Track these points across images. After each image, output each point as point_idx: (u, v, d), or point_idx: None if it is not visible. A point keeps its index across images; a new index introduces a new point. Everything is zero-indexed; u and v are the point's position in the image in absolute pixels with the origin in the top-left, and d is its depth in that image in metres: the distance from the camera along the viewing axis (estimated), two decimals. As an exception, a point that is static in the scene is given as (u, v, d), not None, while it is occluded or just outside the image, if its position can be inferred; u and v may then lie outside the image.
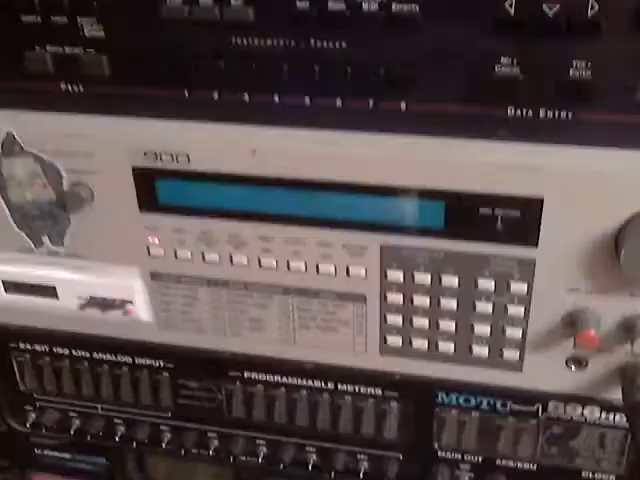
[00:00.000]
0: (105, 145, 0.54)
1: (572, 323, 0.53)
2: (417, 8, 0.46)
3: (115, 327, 0.63)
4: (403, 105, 0.49)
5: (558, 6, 0.44)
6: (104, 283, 0.60)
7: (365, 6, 0.46)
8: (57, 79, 0.53)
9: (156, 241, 0.57)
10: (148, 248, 0.58)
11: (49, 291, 0.62)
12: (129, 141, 0.53)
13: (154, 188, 0.55)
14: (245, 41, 0.49)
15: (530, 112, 0.48)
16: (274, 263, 0.56)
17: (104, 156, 0.54)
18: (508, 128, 0.48)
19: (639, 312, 0.51)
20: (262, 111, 0.51)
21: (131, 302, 0.61)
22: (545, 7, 0.44)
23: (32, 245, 0.60)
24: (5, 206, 0.59)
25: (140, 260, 0.59)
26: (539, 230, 0.50)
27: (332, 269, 0.55)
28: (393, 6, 0.46)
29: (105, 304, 0.61)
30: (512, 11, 0.45)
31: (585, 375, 0.55)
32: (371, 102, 0.50)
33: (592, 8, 0.44)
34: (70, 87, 0.54)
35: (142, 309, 0.61)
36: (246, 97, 0.51)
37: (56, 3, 0.50)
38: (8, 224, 0.60)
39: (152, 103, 0.53)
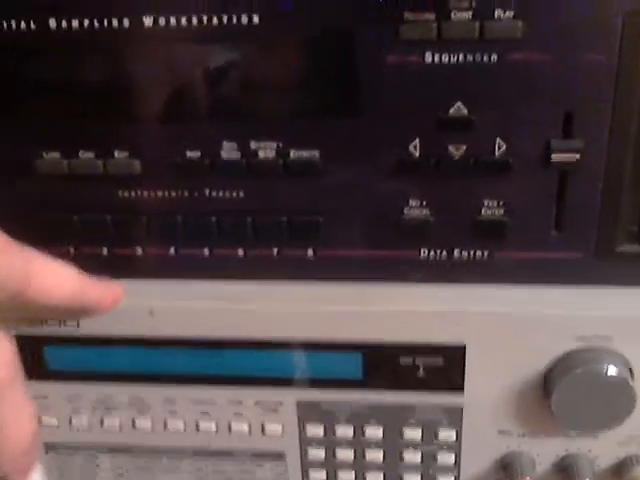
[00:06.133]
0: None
1: (506, 467, 0.49)
2: (317, 154, 0.43)
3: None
4: (310, 252, 0.46)
5: (464, 147, 0.42)
6: (-9, 457, 0.54)
7: (261, 153, 0.43)
8: None
9: (47, 410, 0.51)
10: (39, 418, 0.52)
11: None
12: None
13: (42, 355, 0.49)
14: (133, 194, 0.45)
15: (444, 253, 0.45)
16: (181, 425, 0.51)
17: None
18: (423, 271, 0.46)
19: (574, 452, 0.48)
20: (157, 266, 0.47)
21: (24, 476, 0.54)
22: (451, 148, 0.42)
23: None
24: None
25: (31, 431, 0.53)
26: (464, 376, 0.46)
27: (246, 427, 0.50)
28: (291, 153, 0.43)
29: (-6, 479, 0.55)
30: (417, 153, 0.42)
31: (525, 518, 0.52)
32: (275, 251, 0.46)
33: (500, 148, 0.42)
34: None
35: (37, 482, 0.55)
36: (139, 251, 0.47)
37: None
38: None
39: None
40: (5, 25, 0.41)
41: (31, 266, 0.40)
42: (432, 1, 0.38)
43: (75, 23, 0.41)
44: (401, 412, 0.48)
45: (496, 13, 0.38)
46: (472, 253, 0.45)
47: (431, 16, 0.39)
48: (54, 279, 0.42)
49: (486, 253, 0.45)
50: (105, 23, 0.41)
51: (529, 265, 0.45)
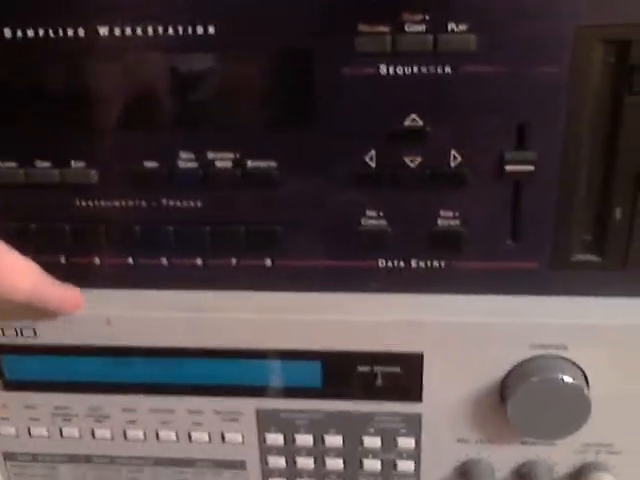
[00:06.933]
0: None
1: (465, 474, 0.50)
2: (274, 165, 0.43)
3: (-32, 511, 0.56)
4: (268, 262, 0.46)
5: (420, 158, 0.42)
6: (-51, 467, 0.53)
7: (218, 164, 0.43)
8: None
9: (6, 419, 0.51)
10: (-3, 428, 0.52)
11: None
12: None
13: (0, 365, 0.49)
14: (90, 203, 0.45)
15: (402, 263, 0.45)
16: (141, 435, 0.51)
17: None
18: (380, 281, 0.46)
19: (532, 459, 0.49)
20: (115, 275, 0.47)
21: (-18, 485, 0.54)
22: (406, 159, 0.42)
23: None
24: None
25: (-11, 440, 0.52)
26: (422, 385, 0.47)
27: (206, 436, 0.50)
28: (248, 163, 0.43)
29: (-47, 489, 0.54)
30: (373, 164, 0.43)
31: (484, 525, 0.52)
32: (233, 260, 0.46)
33: (455, 159, 0.42)
34: None
35: (-4, 492, 0.54)
36: (97, 261, 0.47)
37: None
38: None
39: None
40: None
41: None
42: (386, 14, 0.39)
43: (31, 32, 0.41)
44: (360, 420, 0.49)
45: (449, 26, 0.39)
46: (429, 263, 0.45)
47: (385, 29, 0.39)
48: (16, 273, 0.43)
49: (443, 263, 0.45)
50: (61, 32, 0.41)
51: (485, 275, 0.45)
